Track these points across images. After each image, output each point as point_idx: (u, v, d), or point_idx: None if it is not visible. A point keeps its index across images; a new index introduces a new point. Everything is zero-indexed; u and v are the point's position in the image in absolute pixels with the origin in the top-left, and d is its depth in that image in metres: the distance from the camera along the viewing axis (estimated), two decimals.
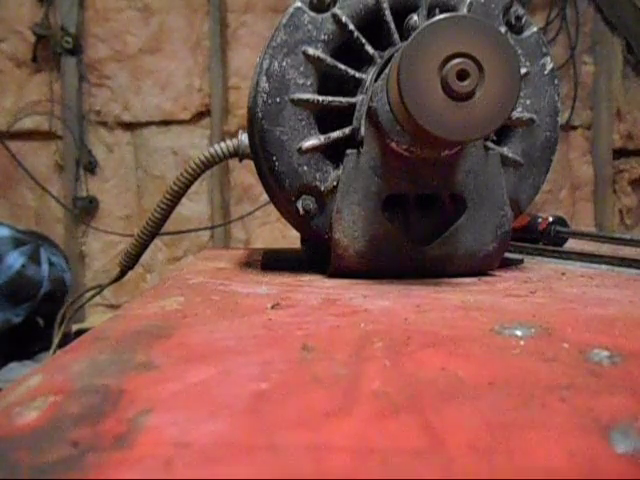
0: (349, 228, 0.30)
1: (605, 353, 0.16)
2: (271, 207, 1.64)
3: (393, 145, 0.29)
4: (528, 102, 0.33)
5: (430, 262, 0.31)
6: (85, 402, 0.12)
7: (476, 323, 0.20)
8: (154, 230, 0.50)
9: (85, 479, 0.09)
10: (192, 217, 1.58)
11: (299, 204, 0.32)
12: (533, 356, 0.16)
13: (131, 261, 0.53)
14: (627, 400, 0.12)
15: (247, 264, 0.41)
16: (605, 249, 0.41)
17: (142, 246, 0.52)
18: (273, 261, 0.44)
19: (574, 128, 1.72)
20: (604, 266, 0.36)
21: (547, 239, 0.45)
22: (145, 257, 1.72)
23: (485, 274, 0.33)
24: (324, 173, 0.31)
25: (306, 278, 0.32)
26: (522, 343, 0.17)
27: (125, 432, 0.11)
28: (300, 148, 0.31)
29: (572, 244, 0.45)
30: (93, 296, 0.80)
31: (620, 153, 1.71)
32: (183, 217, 1.57)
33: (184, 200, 1.71)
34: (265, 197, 1.44)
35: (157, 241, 1.58)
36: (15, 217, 1.44)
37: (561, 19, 1.66)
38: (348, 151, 0.30)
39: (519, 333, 0.18)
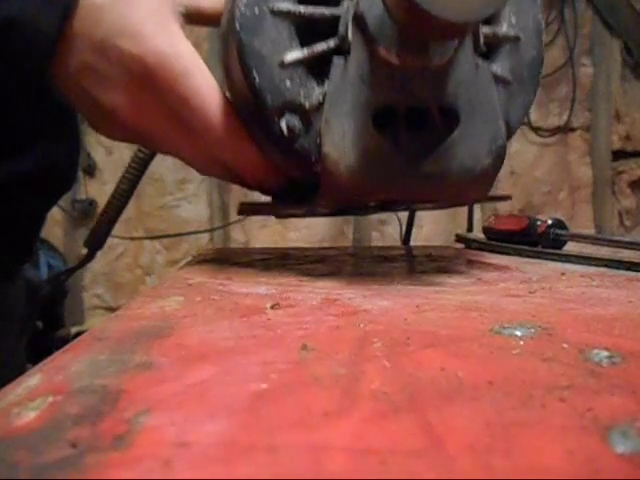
0: (339, 141, 0.28)
1: (605, 353, 0.16)
2: None
3: (382, 52, 0.28)
4: (513, 20, 0.31)
5: (424, 180, 0.29)
6: (84, 402, 0.12)
7: (475, 323, 0.20)
8: (121, 203, 0.48)
9: (84, 479, 0.09)
10: (191, 219, 1.59)
11: (282, 123, 0.29)
12: (532, 356, 0.16)
13: (98, 241, 0.51)
14: (627, 400, 0.12)
15: (247, 264, 0.41)
16: (604, 252, 0.41)
17: (109, 222, 0.50)
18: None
19: (573, 130, 1.73)
20: (603, 268, 0.36)
21: (546, 242, 0.45)
22: (144, 259, 1.72)
23: (479, 200, 0.32)
24: (309, 89, 0.29)
25: (306, 278, 0.32)
26: (521, 343, 0.17)
27: (124, 432, 0.11)
28: (282, 62, 0.29)
29: (571, 247, 0.45)
30: (64, 280, 0.80)
31: (619, 155, 1.71)
32: (182, 219, 1.57)
33: (183, 202, 1.72)
34: (264, 199, 1.44)
35: (156, 243, 1.58)
36: None
37: (560, 21, 1.66)
38: (335, 59, 0.28)
39: (518, 333, 0.18)
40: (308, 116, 0.29)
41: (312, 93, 0.29)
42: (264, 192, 0.37)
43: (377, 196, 0.30)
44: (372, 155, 0.28)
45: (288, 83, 0.29)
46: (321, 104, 0.29)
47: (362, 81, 0.28)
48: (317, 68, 0.29)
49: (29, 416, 0.12)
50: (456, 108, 0.29)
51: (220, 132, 0.31)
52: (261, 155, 0.33)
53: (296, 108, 0.29)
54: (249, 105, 0.30)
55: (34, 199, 0.41)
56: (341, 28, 0.29)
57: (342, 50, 0.29)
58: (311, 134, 0.29)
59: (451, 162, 0.29)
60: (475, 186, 0.30)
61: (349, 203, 0.34)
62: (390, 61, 0.28)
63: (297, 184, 0.35)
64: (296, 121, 0.29)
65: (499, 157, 0.30)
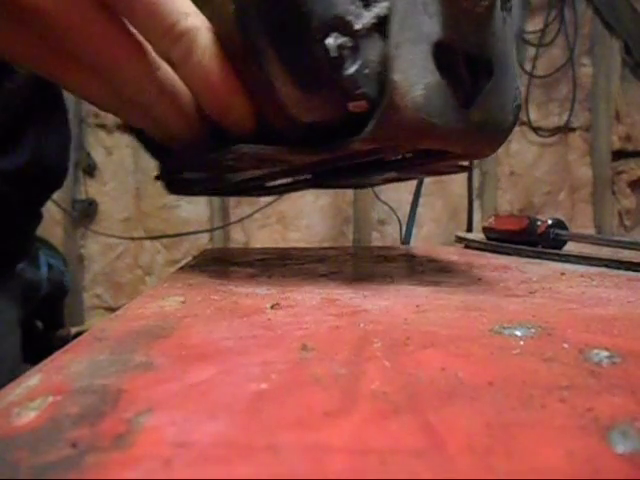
0: (409, 69, 0.24)
1: (605, 353, 0.16)
2: (270, 209, 1.64)
3: None
4: None
5: (471, 129, 0.27)
6: (84, 402, 0.12)
7: (476, 323, 0.20)
8: None
9: (84, 479, 0.09)
10: (191, 219, 1.59)
11: (330, 42, 0.24)
12: (533, 356, 0.16)
13: None
14: (627, 400, 0.12)
15: (247, 264, 0.41)
16: (604, 252, 0.41)
17: None
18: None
19: (573, 130, 1.73)
20: (603, 268, 0.36)
21: (546, 242, 0.45)
22: (144, 259, 1.72)
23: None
24: (357, 7, 0.25)
25: (306, 278, 0.32)
26: (522, 343, 0.17)
27: (124, 432, 0.11)
28: None
29: (571, 247, 0.45)
30: None
31: (619, 155, 1.71)
32: (182, 219, 1.57)
33: (183, 202, 1.72)
34: (264, 199, 1.43)
35: (156, 243, 1.58)
36: None
37: (559, 21, 1.66)
38: None
39: (519, 333, 0.18)
40: (357, 40, 0.25)
41: (361, 14, 0.25)
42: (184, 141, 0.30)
43: (431, 141, 0.27)
44: (435, 94, 0.25)
45: None
46: (372, 28, 0.25)
47: (424, 9, 0.25)
48: None
49: (29, 416, 0.12)
50: (491, 59, 0.27)
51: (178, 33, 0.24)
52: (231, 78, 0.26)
53: (345, 28, 0.24)
54: (286, 22, 0.25)
55: (24, 196, 0.40)
56: None
57: None
58: (359, 62, 0.25)
59: (488, 114, 0.27)
60: (497, 143, 0.28)
61: (394, 147, 0.29)
62: None
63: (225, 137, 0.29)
64: (348, 41, 0.25)
65: (516, 117, 0.28)
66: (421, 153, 0.31)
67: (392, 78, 0.24)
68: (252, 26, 0.25)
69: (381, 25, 0.25)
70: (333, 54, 0.24)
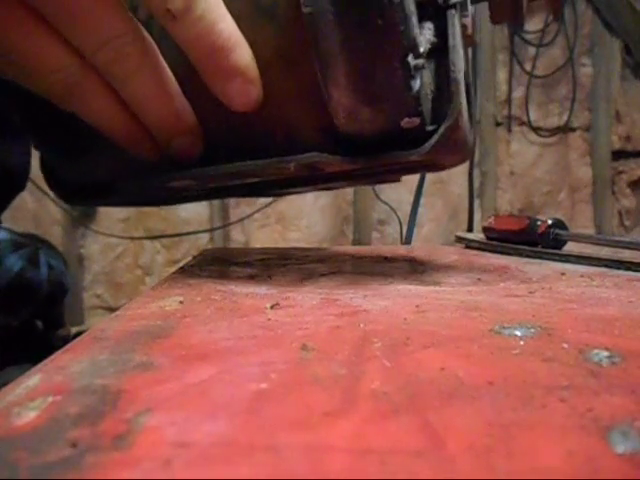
0: (462, 93, 0.27)
1: (605, 353, 0.16)
2: (270, 209, 1.63)
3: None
4: None
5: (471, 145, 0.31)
6: (84, 402, 0.12)
7: (475, 323, 0.20)
8: None
9: (84, 479, 0.09)
10: (191, 219, 1.59)
11: (410, 61, 0.25)
12: (533, 356, 0.16)
13: None
14: (627, 400, 0.12)
15: (247, 264, 0.41)
16: (604, 252, 0.41)
17: None
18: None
19: (573, 130, 1.73)
20: (603, 268, 0.36)
21: (546, 242, 0.45)
22: (144, 259, 1.72)
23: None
24: (419, 33, 0.26)
25: (306, 278, 0.32)
26: (522, 343, 0.17)
27: (124, 432, 0.11)
28: None
29: (571, 247, 0.45)
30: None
31: (619, 155, 1.71)
32: (182, 219, 1.57)
33: None
34: (264, 199, 1.43)
35: (156, 243, 1.58)
36: (14, 220, 1.44)
37: (559, 21, 1.67)
38: (450, 11, 0.27)
39: (518, 333, 0.18)
40: (420, 62, 0.26)
41: (421, 39, 0.26)
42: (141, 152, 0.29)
43: (463, 157, 0.30)
44: (466, 117, 0.28)
45: (413, 19, 0.25)
46: (428, 51, 0.26)
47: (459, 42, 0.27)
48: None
49: (29, 416, 0.12)
50: (469, 84, 0.29)
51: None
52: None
53: (415, 49, 0.26)
54: (367, 41, 0.25)
55: None
56: None
57: (451, 4, 0.27)
58: (419, 82, 0.26)
59: (471, 133, 0.29)
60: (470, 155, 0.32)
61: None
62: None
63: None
64: (419, 63, 0.26)
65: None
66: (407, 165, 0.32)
67: (459, 101, 0.26)
68: (326, 31, 0.25)
69: (432, 50, 0.27)
70: (412, 73, 0.26)
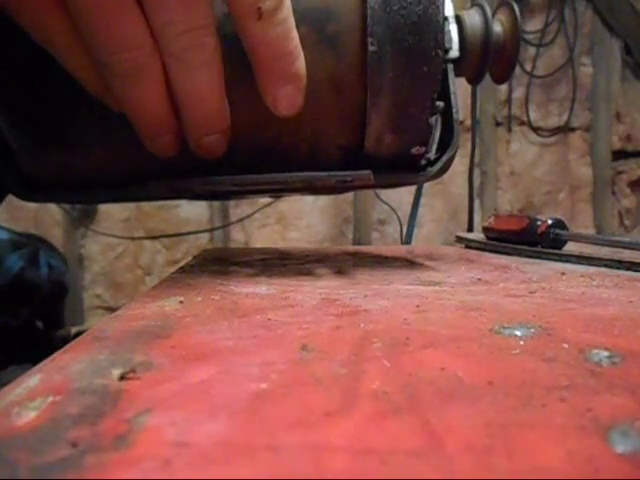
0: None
1: (605, 353, 0.16)
2: (270, 209, 1.64)
3: None
4: None
5: None
6: (84, 402, 0.12)
7: (475, 323, 0.20)
8: None
9: (84, 479, 0.09)
10: (191, 219, 1.59)
11: (437, 102, 0.32)
12: (533, 356, 0.16)
13: None
14: (627, 400, 0.12)
15: (247, 264, 0.41)
16: (604, 252, 0.41)
17: None
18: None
19: (573, 130, 1.73)
20: (603, 268, 0.36)
21: (546, 242, 0.45)
22: (144, 259, 1.72)
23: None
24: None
25: (306, 278, 0.32)
26: (522, 343, 0.17)
27: (124, 432, 0.11)
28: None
29: (571, 247, 0.45)
30: None
31: (619, 155, 1.71)
32: (182, 219, 1.57)
33: (183, 202, 1.72)
34: (264, 199, 1.43)
35: (156, 243, 1.58)
36: (14, 220, 1.44)
37: (559, 21, 1.66)
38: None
39: (519, 333, 0.18)
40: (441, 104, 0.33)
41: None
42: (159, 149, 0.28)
43: None
44: None
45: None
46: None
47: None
48: None
49: (29, 416, 0.12)
50: None
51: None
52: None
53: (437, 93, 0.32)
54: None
55: None
56: None
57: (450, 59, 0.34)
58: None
59: None
60: None
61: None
62: None
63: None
64: (440, 102, 0.33)
65: None
66: None
67: (457, 139, 0.33)
68: (382, 67, 0.29)
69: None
70: (435, 112, 0.32)
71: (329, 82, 0.29)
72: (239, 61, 0.26)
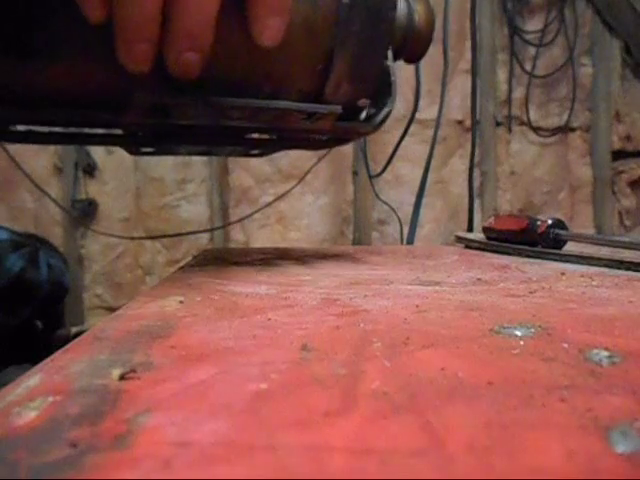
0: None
1: (605, 353, 0.16)
2: (270, 209, 1.64)
3: None
4: None
5: None
6: (84, 402, 0.12)
7: (475, 323, 0.20)
8: None
9: (84, 479, 0.09)
10: (191, 219, 1.59)
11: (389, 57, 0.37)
12: (533, 356, 0.16)
13: None
14: (627, 400, 0.12)
15: (247, 264, 0.41)
16: (604, 252, 0.41)
17: None
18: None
19: (573, 130, 1.73)
20: (603, 268, 0.36)
21: (546, 242, 0.45)
22: (144, 259, 1.72)
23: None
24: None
25: (306, 278, 0.32)
26: (522, 343, 0.17)
27: (124, 432, 0.11)
28: None
29: (571, 247, 0.45)
30: None
31: (619, 155, 1.71)
32: (182, 219, 1.57)
33: (183, 202, 1.72)
34: (264, 200, 1.43)
35: (156, 243, 1.58)
36: (14, 220, 1.44)
37: (559, 21, 1.66)
38: None
39: (519, 333, 0.18)
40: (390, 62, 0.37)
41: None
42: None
43: None
44: None
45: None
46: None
47: None
48: None
49: (29, 416, 0.12)
50: None
51: None
52: None
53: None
54: None
55: None
56: None
57: None
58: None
59: None
60: None
61: None
62: None
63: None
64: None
65: None
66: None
67: (394, 97, 0.36)
68: (352, 18, 0.32)
69: None
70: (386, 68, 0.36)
71: (303, 27, 0.31)
72: None
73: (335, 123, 0.35)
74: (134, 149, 0.44)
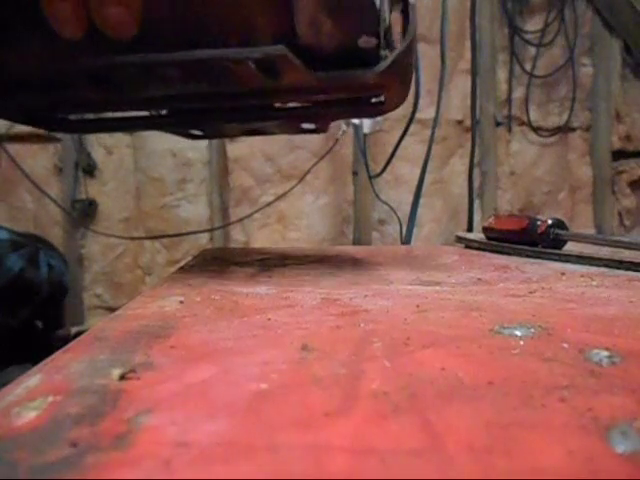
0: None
1: (605, 353, 0.16)
2: (270, 209, 1.63)
3: None
4: None
5: None
6: (84, 402, 0.12)
7: (475, 323, 0.20)
8: None
9: (84, 479, 0.09)
10: (191, 219, 1.59)
11: None
12: (533, 356, 0.16)
13: None
14: (626, 400, 0.12)
15: (247, 264, 0.41)
16: (604, 252, 0.41)
17: None
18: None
19: (573, 130, 1.73)
20: (603, 268, 0.36)
21: (546, 242, 0.45)
22: (144, 259, 1.72)
23: None
24: None
25: (306, 278, 0.32)
26: (521, 343, 0.17)
27: (124, 432, 0.11)
28: None
29: (571, 247, 0.45)
30: None
31: (619, 154, 1.71)
32: (182, 219, 1.57)
33: (183, 202, 1.72)
34: (264, 199, 1.43)
35: (156, 243, 1.58)
36: (14, 220, 1.44)
37: (559, 21, 1.67)
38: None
39: (518, 333, 0.18)
40: None
41: None
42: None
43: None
44: None
45: None
46: None
47: None
48: None
49: (29, 416, 0.12)
50: None
51: None
52: None
53: None
54: None
55: None
56: None
57: None
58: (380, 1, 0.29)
59: None
60: None
61: None
62: None
63: None
64: None
65: None
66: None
67: (414, 26, 0.28)
68: None
69: None
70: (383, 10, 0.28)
71: None
72: None
73: (317, 74, 0.27)
74: (186, 133, 0.41)
